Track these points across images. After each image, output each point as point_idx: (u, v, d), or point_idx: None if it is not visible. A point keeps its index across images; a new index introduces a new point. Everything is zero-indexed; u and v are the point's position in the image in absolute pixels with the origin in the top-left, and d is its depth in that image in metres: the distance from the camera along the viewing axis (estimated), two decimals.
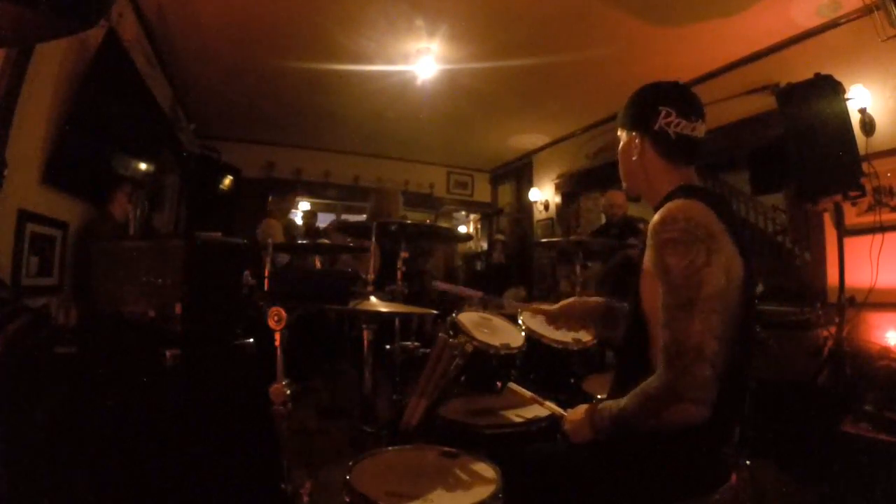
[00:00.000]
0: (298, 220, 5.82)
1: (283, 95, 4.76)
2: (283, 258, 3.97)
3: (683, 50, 3.61)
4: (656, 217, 1.04)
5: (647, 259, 1.06)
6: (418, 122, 5.28)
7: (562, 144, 6.00)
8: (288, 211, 5.16)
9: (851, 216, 2.89)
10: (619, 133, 1.26)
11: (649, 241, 1.04)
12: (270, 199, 5.48)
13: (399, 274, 2.25)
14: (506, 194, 7.39)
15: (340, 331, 3.66)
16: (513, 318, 2.00)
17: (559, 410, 1.30)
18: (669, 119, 1.13)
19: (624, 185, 1.28)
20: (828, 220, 3.08)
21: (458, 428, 1.46)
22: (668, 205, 1.04)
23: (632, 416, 1.00)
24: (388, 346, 2.11)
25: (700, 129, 1.15)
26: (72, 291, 2.57)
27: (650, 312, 1.07)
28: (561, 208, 6.04)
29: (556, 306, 1.58)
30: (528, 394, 1.44)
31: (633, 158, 1.19)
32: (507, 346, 1.74)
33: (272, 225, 4.65)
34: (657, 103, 1.15)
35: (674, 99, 1.15)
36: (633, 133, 1.19)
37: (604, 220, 4.06)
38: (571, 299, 1.58)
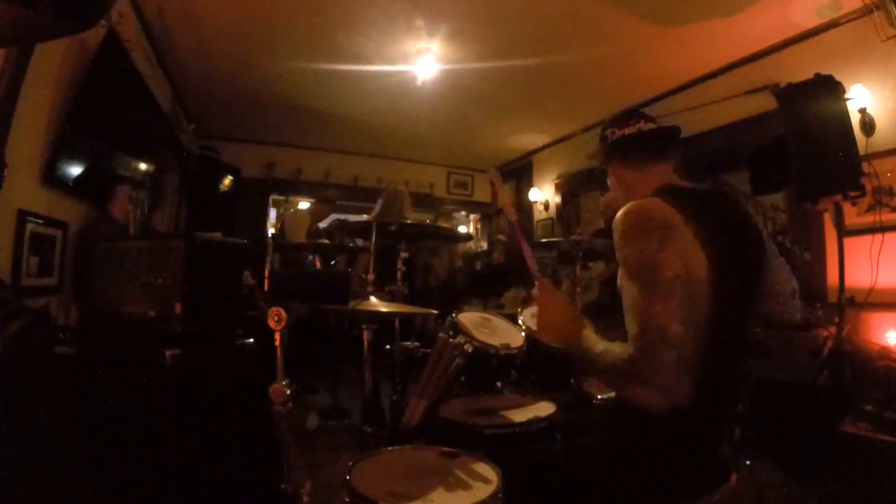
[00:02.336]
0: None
1: (283, 95, 4.75)
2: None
3: (683, 50, 3.61)
4: (616, 216, 1.08)
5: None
6: (418, 122, 5.28)
7: (562, 144, 6.00)
8: (323, 217, 4.97)
9: (851, 216, 2.89)
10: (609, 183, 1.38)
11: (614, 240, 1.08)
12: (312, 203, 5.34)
13: (399, 274, 2.25)
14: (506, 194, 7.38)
15: (340, 331, 3.66)
16: (513, 318, 2.00)
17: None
18: (614, 134, 1.27)
19: None
20: (828, 220, 3.09)
21: (458, 428, 1.46)
22: (627, 205, 1.08)
23: (600, 373, 1.06)
24: (388, 346, 2.11)
25: (644, 126, 1.25)
26: (72, 291, 2.57)
27: None
28: (561, 208, 6.04)
29: None
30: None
31: (617, 184, 1.30)
32: (507, 346, 1.74)
33: (302, 217, 4.61)
34: (604, 132, 1.31)
35: (611, 121, 1.31)
36: (609, 164, 1.31)
37: (603, 222, 4.06)
38: None
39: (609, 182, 1.34)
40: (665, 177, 1.20)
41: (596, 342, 1.07)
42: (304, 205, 6.46)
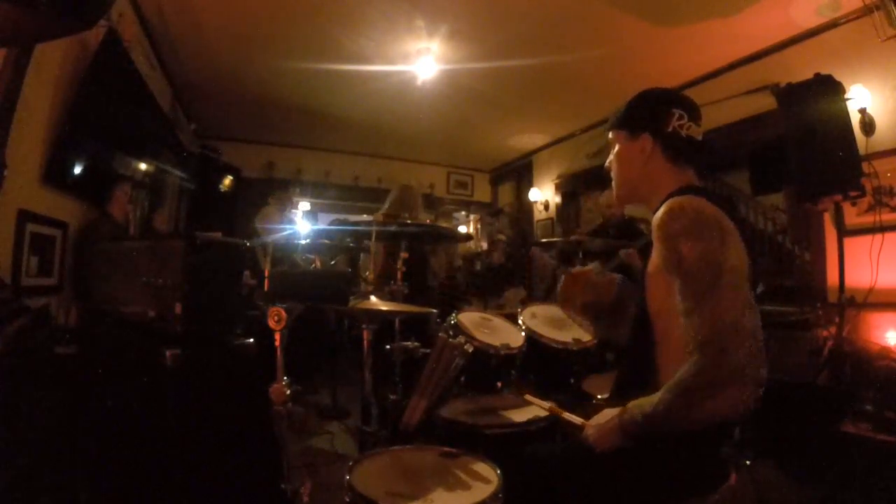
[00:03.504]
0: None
1: (283, 95, 4.76)
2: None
3: (683, 50, 3.61)
4: (661, 212, 1.03)
5: (655, 256, 1.05)
6: (418, 122, 5.28)
7: (562, 144, 6.00)
8: (286, 204, 5.15)
9: (851, 216, 2.89)
10: (615, 136, 1.25)
11: (656, 236, 1.04)
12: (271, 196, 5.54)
13: (399, 274, 2.25)
14: (506, 194, 7.39)
15: (340, 331, 3.66)
16: (513, 318, 2.00)
17: (578, 420, 1.23)
18: (682, 122, 1.14)
19: (618, 191, 1.26)
20: (828, 220, 3.09)
21: (458, 428, 1.46)
22: (672, 200, 1.04)
23: (672, 413, 0.93)
24: (388, 346, 2.11)
25: (701, 133, 1.17)
26: (72, 291, 2.57)
27: (657, 313, 1.07)
28: (561, 208, 6.04)
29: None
30: (547, 404, 1.37)
31: (640, 161, 1.18)
32: (507, 346, 1.74)
33: (270, 212, 4.67)
34: (670, 105, 1.15)
35: (683, 102, 1.17)
36: (644, 135, 1.17)
37: (601, 220, 4.06)
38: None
39: (629, 151, 1.20)
40: (689, 177, 1.17)
41: (644, 401, 0.99)
42: (304, 205, 6.43)
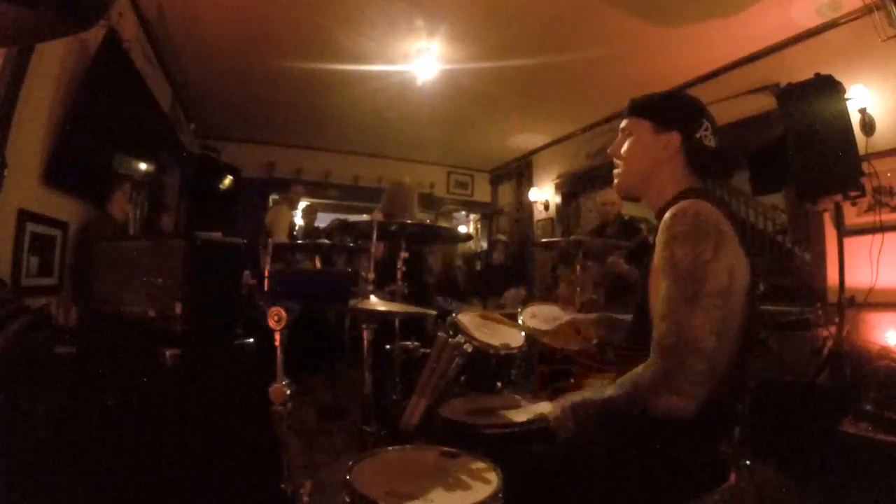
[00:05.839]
0: (298, 220, 5.82)
1: (283, 95, 4.76)
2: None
3: (683, 50, 3.62)
4: (668, 214, 1.06)
5: (656, 255, 1.06)
6: (418, 122, 5.29)
7: (562, 144, 6.00)
8: (296, 202, 5.38)
9: (851, 216, 2.89)
10: (635, 123, 1.22)
11: (659, 237, 1.05)
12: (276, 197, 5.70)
13: (399, 274, 2.25)
14: (506, 194, 7.39)
15: (340, 331, 3.66)
16: (513, 318, 2.00)
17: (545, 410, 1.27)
18: (707, 133, 1.18)
19: (626, 179, 1.24)
20: (828, 220, 3.08)
21: (458, 428, 1.46)
22: (680, 203, 1.06)
23: (620, 406, 1.00)
24: (388, 346, 2.11)
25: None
26: (72, 291, 2.57)
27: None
28: (561, 208, 6.04)
29: (552, 327, 1.62)
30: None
31: (660, 156, 1.18)
32: (507, 346, 1.74)
33: (283, 211, 4.71)
34: (701, 115, 1.19)
35: (709, 115, 1.21)
36: (673, 132, 1.17)
37: (598, 220, 4.07)
38: (568, 318, 1.62)
39: (651, 144, 1.19)
40: (694, 181, 1.18)
41: (597, 392, 1.06)
42: (303, 203, 6.45)
